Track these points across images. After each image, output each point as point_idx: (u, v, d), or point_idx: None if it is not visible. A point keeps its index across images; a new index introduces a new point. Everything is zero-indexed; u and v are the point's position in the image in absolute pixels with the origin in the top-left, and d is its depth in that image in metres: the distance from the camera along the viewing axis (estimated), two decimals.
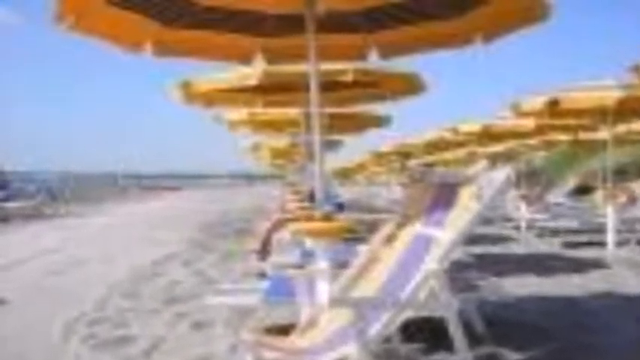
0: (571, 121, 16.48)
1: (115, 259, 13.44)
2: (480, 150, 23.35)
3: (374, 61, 7.98)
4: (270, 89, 11.15)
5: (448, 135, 20.91)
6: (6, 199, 29.18)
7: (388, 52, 7.67)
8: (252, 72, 9.07)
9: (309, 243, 8.56)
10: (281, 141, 21.27)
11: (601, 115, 14.24)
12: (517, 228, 18.50)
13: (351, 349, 4.04)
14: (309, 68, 6.26)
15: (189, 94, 10.17)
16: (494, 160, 25.31)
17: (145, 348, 6.65)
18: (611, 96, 12.48)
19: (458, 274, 10.22)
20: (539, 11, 6.24)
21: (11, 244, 17.49)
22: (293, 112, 13.19)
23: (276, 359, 4.57)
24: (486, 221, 19.51)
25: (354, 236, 9.52)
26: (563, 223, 17.13)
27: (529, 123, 16.86)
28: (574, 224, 16.92)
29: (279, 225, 10.87)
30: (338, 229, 6.17)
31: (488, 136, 19.20)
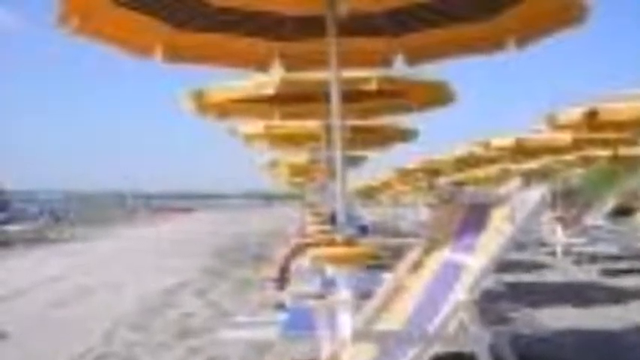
0: (610, 135, 16.35)
1: (123, 288, 13.46)
2: (513, 167, 23.23)
3: (399, 68, 7.96)
4: (288, 99, 11.11)
5: (479, 150, 20.80)
6: (6, 222, 29.28)
7: (415, 57, 7.63)
8: (269, 80, 9.05)
9: (330, 270, 8.54)
10: (300, 157, 21.22)
11: None
12: (552, 254, 18.37)
13: None
14: (330, 76, 6.23)
15: (202, 104, 10.13)
16: (529, 178, 25.14)
17: None
18: None
19: (489, 304, 10.17)
20: (575, 12, 6.17)
21: (12, 271, 17.56)
22: (312, 124, 13.12)
23: None
24: (519, 246, 19.41)
25: (378, 263, 9.51)
26: (601, 249, 16.99)
27: (565, 137, 16.72)
28: (613, 249, 16.77)
29: (298, 251, 10.85)
30: (361, 255, 6.15)
31: (521, 151, 19.08)
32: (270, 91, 9.27)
